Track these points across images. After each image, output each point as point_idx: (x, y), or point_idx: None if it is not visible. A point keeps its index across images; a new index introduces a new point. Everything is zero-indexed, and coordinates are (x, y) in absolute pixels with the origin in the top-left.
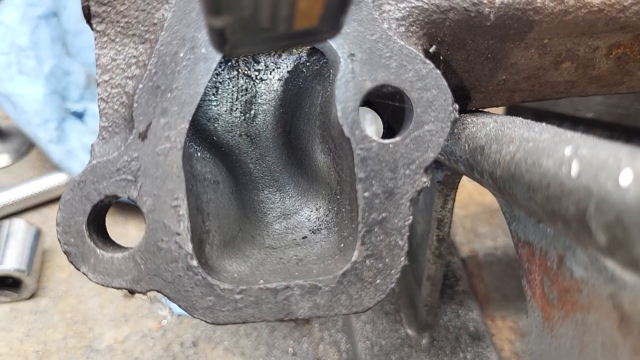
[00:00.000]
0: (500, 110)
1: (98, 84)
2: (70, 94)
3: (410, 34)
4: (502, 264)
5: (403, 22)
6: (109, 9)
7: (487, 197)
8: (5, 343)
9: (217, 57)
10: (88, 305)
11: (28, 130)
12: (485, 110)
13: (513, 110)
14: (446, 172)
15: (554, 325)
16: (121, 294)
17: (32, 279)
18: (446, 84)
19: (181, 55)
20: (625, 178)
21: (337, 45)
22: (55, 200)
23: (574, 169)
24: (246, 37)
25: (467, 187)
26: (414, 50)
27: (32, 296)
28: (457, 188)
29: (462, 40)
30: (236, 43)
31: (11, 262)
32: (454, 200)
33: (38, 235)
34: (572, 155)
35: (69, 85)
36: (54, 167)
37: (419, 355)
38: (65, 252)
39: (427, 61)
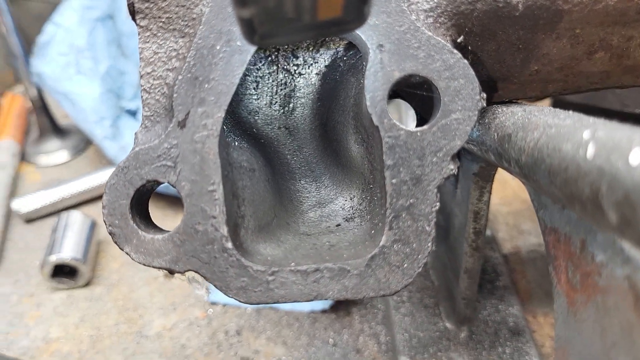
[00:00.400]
0: (546, 105)
1: (141, 76)
2: (125, 93)
3: (438, 24)
4: (545, 261)
5: (431, 14)
6: (152, 5)
7: None
8: (62, 327)
9: (252, 49)
10: (139, 293)
11: (85, 127)
12: (519, 101)
13: (559, 106)
14: (481, 164)
15: (577, 310)
16: (168, 283)
17: (88, 267)
18: (473, 73)
19: (218, 47)
20: (635, 157)
21: (367, 36)
22: None
23: (590, 151)
24: (273, 27)
25: (512, 184)
26: (442, 41)
27: (87, 284)
28: (492, 180)
29: (492, 31)
30: (265, 34)
31: (68, 252)
32: (490, 192)
33: (93, 226)
34: (589, 138)
35: (123, 84)
36: (109, 163)
37: (457, 349)
38: (110, 233)
39: (455, 51)
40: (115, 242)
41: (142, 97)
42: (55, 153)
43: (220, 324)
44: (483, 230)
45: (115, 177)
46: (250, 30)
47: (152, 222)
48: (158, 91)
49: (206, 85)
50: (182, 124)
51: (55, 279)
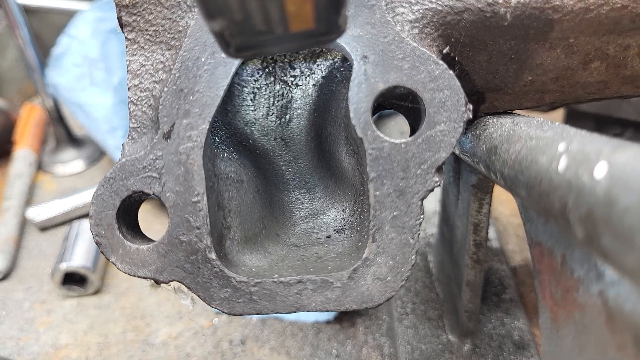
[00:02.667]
0: (559, 117)
1: (129, 88)
2: None
3: (424, 35)
4: None
5: (417, 24)
6: (139, 19)
7: None
8: (71, 334)
9: (236, 61)
10: (146, 302)
11: (98, 137)
12: (515, 111)
13: (572, 117)
14: (479, 175)
15: (559, 326)
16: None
17: (97, 276)
18: (459, 84)
19: (202, 60)
20: (600, 171)
21: (350, 47)
22: None
23: (562, 164)
24: (246, 40)
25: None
26: (427, 52)
27: (96, 292)
28: (491, 192)
29: (481, 41)
30: (239, 46)
31: (78, 260)
32: (489, 204)
33: None
34: (563, 151)
35: None
36: None
37: None
38: (97, 243)
39: (440, 62)
40: (102, 252)
41: (129, 109)
42: (70, 163)
43: (225, 333)
44: (484, 242)
45: (102, 188)
46: (223, 42)
47: (141, 233)
48: (145, 103)
49: (191, 97)
50: (167, 136)
51: (66, 286)
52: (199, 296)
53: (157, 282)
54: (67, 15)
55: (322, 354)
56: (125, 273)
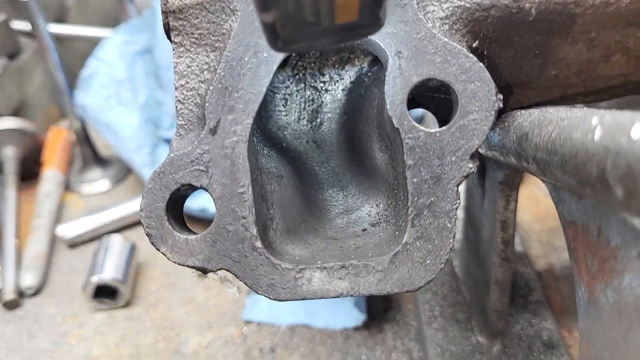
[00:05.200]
0: None
1: (176, 88)
2: (162, 123)
3: (454, 31)
4: None
5: (447, 21)
6: (185, 23)
7: None
8: (103, 346)
9: (278, 59)
10: (176, 313)
11: (125, 155)
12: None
13: None
14: (506, 171)
15: (597, 299)
16: (204, 302)
17: (127, 288)
18: (489, 75)
19: (246, 59)
20: (637, 132)
21: (385, 44)
22: None
23: (597, 134)
24: (294, 31)
25: (544, 202)
26: (457, 46)
27: (126, 304)
28: (518, 188)
29: (507, 37)
30: (287, 38)
31: (109, 273)
32: (516, 201)
33: (133, 249)
34: (597, 124)
35: (161, 114)
36: None
37: None
38: (147, 234)
39: (470, 55)
40: (152, 243)
41: (176, 107)
42: (97, 182)
43: (255, 341)
44: (511, 239)
45: (152, 182)
46: (273, 34)
47: (186, 225)
48: (191, 101)
49: (235, 94)
50: (213, 131)
51: (97, 299)
52: (245, 283)
53: (205, 272)
54: (90, 43)
55: None
56: (175, 262)
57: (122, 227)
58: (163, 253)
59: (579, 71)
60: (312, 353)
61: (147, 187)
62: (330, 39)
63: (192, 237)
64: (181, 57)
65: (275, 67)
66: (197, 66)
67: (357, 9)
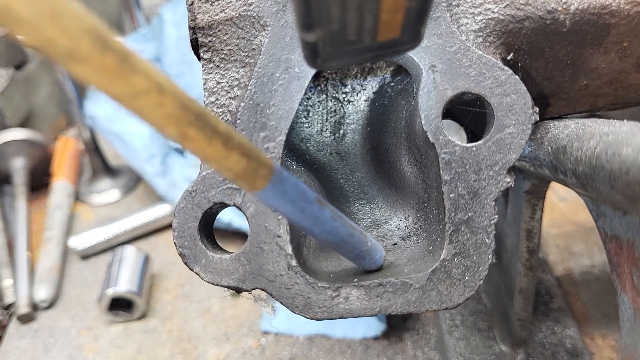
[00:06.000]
0: None
1: (206, 105)
2: None
3: (487, 44)
4: (600, 282)
5: (480, 34)
6: (214, 39)
7: (580, 216)
8: (120, 359)
9: (309, 74)
10: (192, 325)
11: (136, 165)
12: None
13: None
14: (533, 181)
15: None
16: (221, 314)
17: (143, 300)
18: (525, 88)
19: (277, 75)
20: None
21: (419, 58)
22: (161, 229)
23: None
24: (336, 50)
25: (559, 207)
26: (492, 59)
27: (142, 317)
28: (544, 197)
29: (540, 48)
30: (327, 57)
31: (124, 285)
32: (542, 210)
33: (147, 260)
34: None
35: None
36: (159, 200)
37: None
38: (180, 255)
39: (506, 68)
40: (185, 263)
41: None
42: (107, 192)
43: (274, 352)
44: (536, 248)
45: (184, 201)
46: (314, 53)
47: (217, 244)
48: (221, 118)
49: (267, 111)
50: None
51: (112, 312)
52: (281, 303)
53: (239, 291)
54: None
55: None
56: (209, 282)
57: (134, 238)
58: (197, 273)
59: (611, 81)
60: None
61: (178, 206)
62: (368, 56)
63: (225, 256)
64: (210, 73)
65: (307, 83)
66: (227, 83)
67: (400, 26)
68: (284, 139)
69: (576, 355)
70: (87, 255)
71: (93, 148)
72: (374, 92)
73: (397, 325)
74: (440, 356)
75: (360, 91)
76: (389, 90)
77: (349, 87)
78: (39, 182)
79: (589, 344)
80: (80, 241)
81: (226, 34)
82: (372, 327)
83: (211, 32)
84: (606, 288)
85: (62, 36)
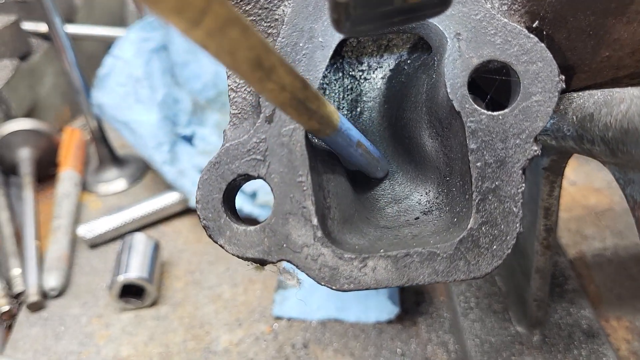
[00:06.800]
0: None
1: (228, 77)
2: (180, 120)
3: (512, 11)
4: (613, 265)
5: (505, 1)
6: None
7: (591, 200)
8: (132, 346)
9: (333, 44)
10: (204, 311)
11: (145, 153)
12: None
13: None
14: (552, 157)
15: None
16: (232, 300)
17: (154, 287)
18: (551, 56)
19: (300, 45)
20: None
21: (444, 26)
22: (170, 217)
23: None
24: (366, 12)
25: (570, 191)
26: (518, 26)
27: (153, 304)
28: (563, 174)
29: (563, 17)
30: (356, 19)
31: (135, 271)
32: (560, 187)
33: (157, 247)
34: None
35: (178, 112)
36: (167, 188)
37: (530, 352)
38: (204, 227)
39: (531, 35)
40: (209, 236)
41: (229, 96)
42: (114, 181)
43: (287, 337)
44: (554, 226)
45: (208, 173)
46: (344, 14)
47: (239, 216)
48: (244, 89)
49: None
50: (269, 119)
51: (123, 299)
52: (307, 274)
53: (264, 263)
54: (98, 43)
55: (387, 354)
56: (234, 255)
57: (143, 226)
58: (221, 245)
59: (633, 52)
60: (345, 348)
61: (202, 178)
62: (397, 19)
63: (250, 228)
64: None
65: (331, 52)
66: None
67: None
68: None
69: (592, 335)
70: (95, 243)
71: (100, 137)
72: (390, 70)
73: (410, 309)
74: (455, 339)
75: (377, 68)
76: (405, 67)
77: (365, 64)
78: (46, 173)
79: (604, 326)
80: (88, 229)
81: (249, 4)
82: (385, 311)
83: (233, 2)
84: (619, 270)
85: None
